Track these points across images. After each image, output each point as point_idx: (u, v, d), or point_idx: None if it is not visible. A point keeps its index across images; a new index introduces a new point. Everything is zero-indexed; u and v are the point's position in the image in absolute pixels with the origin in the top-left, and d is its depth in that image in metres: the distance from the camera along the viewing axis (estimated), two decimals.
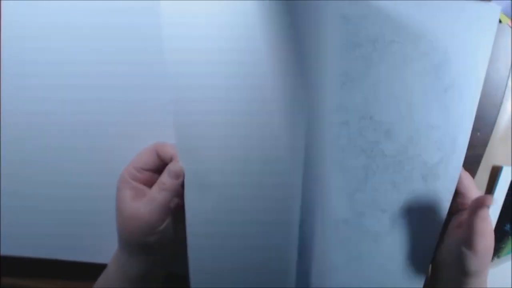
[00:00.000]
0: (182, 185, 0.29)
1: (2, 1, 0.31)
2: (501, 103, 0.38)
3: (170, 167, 0.28)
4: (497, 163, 0.42)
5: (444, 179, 0.33)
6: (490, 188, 0.42)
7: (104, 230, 0.33)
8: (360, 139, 0.31)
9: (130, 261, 0.30)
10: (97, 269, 0.35)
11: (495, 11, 0.30)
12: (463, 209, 0.31)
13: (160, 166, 0.30)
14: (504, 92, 0.37)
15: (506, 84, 0.37)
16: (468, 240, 0.29)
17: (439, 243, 0.33)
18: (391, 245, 0.34)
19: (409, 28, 0.30)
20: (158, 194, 0.28)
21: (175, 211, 0.29)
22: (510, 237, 0.46)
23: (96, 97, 0.32)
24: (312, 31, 0.28)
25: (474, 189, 0.32)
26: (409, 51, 0.31)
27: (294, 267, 0.30)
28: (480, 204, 0.28)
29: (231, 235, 0.28)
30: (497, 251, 0.46)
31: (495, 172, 0.42)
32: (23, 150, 0.34)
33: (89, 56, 0.32)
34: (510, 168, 0.41)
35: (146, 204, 0.28)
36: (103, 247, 0.34)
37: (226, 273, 0.29)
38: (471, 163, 0.39)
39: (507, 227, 0.45)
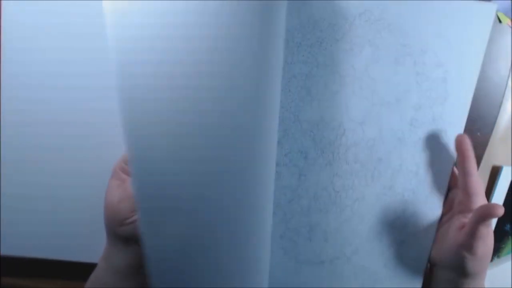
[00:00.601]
0: None
1: (2, 1, 0.31)
2: (501, 103, 0.38)
3: None
4: (497, 163, 0.42)
5: (437, 176, 0.33)
6: (490, 188, 0.42)
7: (104, 231, 0.33)
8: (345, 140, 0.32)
9: (113, 253, 0.31)
10: None
11: (491, 9, 0.31)
12: (466, 211, 0.31)
13: None
14: (504, 92, 0.37)
15: (506, 84, 0.37)
16: (469, 244, 0.29)
17: (436, 241, 0.33)
18: (386, 244, 0.34)
19: (402, 28, 0.30)
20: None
21: None
22: (510, 237, 0.46)
23: (95, 99, 0.32)
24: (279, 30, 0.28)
25: (482, 194, 0.31)
26: (401, 50, 0.31)
27: (261, 267, 0.30)
28: (489, 214, 0.28)
29: (188, 228, 0.27)
30: (497, 251, 0.46)
31: (495, 172, 0.42)
32: (24, 151, 0.34)
33: (89, 57, 0.32)
34: (510, 168, 0.41)
35: (120, 194, 0.29)
36: (103, 248, 0.34)
37: (186, 271, 0.28)
38: None
39: (507, 227, 0.45)
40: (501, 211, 0.27)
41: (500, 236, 0.45)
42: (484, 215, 0.28)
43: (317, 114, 0.31)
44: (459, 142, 0.32)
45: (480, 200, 0.31)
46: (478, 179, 0.31)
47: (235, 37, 0.24)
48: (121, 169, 0.30)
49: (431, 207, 0.34)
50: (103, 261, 0.32)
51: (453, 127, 0.33)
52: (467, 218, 0.31)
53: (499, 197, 0.43)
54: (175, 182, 0.26)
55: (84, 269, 0.35)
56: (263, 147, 0.27)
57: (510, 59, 0.36)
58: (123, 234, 0.29)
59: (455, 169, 0.33)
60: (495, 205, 0.28)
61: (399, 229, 0.34)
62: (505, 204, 0.42)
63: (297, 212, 0.32)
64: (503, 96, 0.37)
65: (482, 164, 0.40)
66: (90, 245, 0.35)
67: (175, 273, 0.28)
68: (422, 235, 0.34)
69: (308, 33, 0.30)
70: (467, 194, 0.31)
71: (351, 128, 0.32)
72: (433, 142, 0.33)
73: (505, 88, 0.37)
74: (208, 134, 0.25)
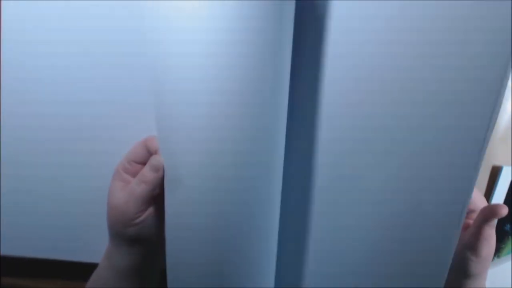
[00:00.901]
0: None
1: (2, 2, 0.31)
2: (501, 103, 0.38)
3: (151, 160, 0.29)
4: (497, 163, 0.42)
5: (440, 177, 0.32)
6: (490, 188, 0.42)
7: (105, 231, 0.33)
8: (351, 135, 0.32)
9: (116, 253, 0.30)
10: None
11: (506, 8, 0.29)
12: (467, 212, 0.31)
13: (149, 158, 0.30)
14: (504, 92, 0.37)
15: (506, 84, 0.37)
16: (474, 246, 0.29)
17: None
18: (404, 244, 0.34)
19: (403, 28, 0.30)
20: (137, 186, 0.28)
21: (157, 204, 0.29)
22: (510, 237, 0.46)
23: (95, 100, 0.32)
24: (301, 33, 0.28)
25: (478, 194, 0.31)
26: (403, 50, 0.31)
27: (274, 263, 0.30)
28: (494, 214, 0.28)
29: (209, 230, 0.28)
30: (497, 251, 0.46)
31: (495, 172, 0.42)
32: (23, 151, 0.33)
33: (89, 58, 0.32)
34: (510, 168, 0.41)
35: (125, 195, 0.29)
36: (103, 248, 0.34)
37: (204, 268, 0.28)
38: None
39: (507, 227, 0.45)
40: (505, 211, 0.28)
41: (500, 236, 0.44)
42: (489, 215, 0.28)
43: (317, 114, 0.31)
44: None
45: (478, 199, 0.31)
46: None
47: (251, 37, 0.24)
48: (124, 169, 0.30)
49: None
50: (105, 261, 0.32)
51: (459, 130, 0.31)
52: (469, 219, 0.31)
53: (499, 197, 0.43)
54: (199, 181, 0.27)
55: (84, 269, 0.35)
56: (276, 148, 0.27)
57: (510, 59, 0.36)
58: (129, 235, 0.29)
59: None
60: (500, 205, 0.28)
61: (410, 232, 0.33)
62: (505, 204, 0.42)
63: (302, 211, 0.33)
64: (503, 96, 0.37)
65: (482, 164, 0.39)
66: (90, 245, 0.35)
67: (192, 274, 0.28)
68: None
69: (307, 33, 0.30)
70: None
71: (351, 127, 0.32)
72: (438, 142, 0.32)
73: (505, 88, 0.37)
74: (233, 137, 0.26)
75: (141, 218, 0.29)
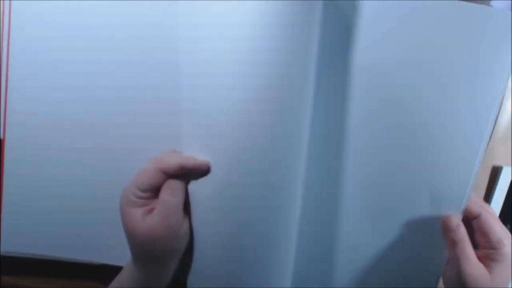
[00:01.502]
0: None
1: (12, 1, 0.31)
2: (501, 103, 0.38)
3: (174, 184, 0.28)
4: (497, 163, 0.42)
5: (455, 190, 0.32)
6: (490, 188, 0.42)
7: (105, 230, 0.33)
8: (370, 141, 0.32)
9: (150, 276, 0.29)
10: (97, 269, 0.35)
11: (507, 17, 0.30)
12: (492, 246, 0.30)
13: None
14: (504, 92, 0.37)
15: (506, 84, 0.37)
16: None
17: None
18: (401, 250, 0.34)
19: (420, 31, 0.30)
20: (172, 197, 0.27)
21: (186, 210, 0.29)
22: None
23: (101, 97, 0.32)
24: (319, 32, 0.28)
25: (501, 226, 0.31)
26: (422, 55, 0.30)
27: (293, 260, 0.31)
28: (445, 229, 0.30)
29: (228, 234, 0.28)
30: None
31: (495, 172, 0.42)
32: (26, 149, 0.33)
33: (96, 57, 0.32)
34: (510, 168, 0.41)
35: (161, 212, 0.27)
36: (103, 247, 0.34)
37: (222, 272, 0.29)
38: None
39: (507, 227, 0.45)
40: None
41: None
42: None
43: (340, 114, 0.31)
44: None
45: (502, 232, 0.31)
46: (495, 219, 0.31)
47: (277, 34, 0.25)
48: (136, 195, 0.28)
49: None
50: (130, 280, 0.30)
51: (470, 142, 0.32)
52: (491, 250, 0.30)
53: (499, 197, 0.43)
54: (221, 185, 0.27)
55: (84, 269, 0.35)
56: (299, 149, 0.28)
57: (510, 59, 0.36)
58: (176, 248, 0.29)
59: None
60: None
61: (410, 246, 0.33)
62: (505, 204, 0.42)
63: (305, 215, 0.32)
64: (503, 96, 0.37)
65: (482, 164, 0.40)
66: (91, 245, 0.35)
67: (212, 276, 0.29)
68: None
69: (334, 32, 0.30)
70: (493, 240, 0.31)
71: (358, 131, 0.31)
72: (449, 151, 0.32)
73: (505, 88, 0.37)
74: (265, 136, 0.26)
75: (185, 226, 0.29)
